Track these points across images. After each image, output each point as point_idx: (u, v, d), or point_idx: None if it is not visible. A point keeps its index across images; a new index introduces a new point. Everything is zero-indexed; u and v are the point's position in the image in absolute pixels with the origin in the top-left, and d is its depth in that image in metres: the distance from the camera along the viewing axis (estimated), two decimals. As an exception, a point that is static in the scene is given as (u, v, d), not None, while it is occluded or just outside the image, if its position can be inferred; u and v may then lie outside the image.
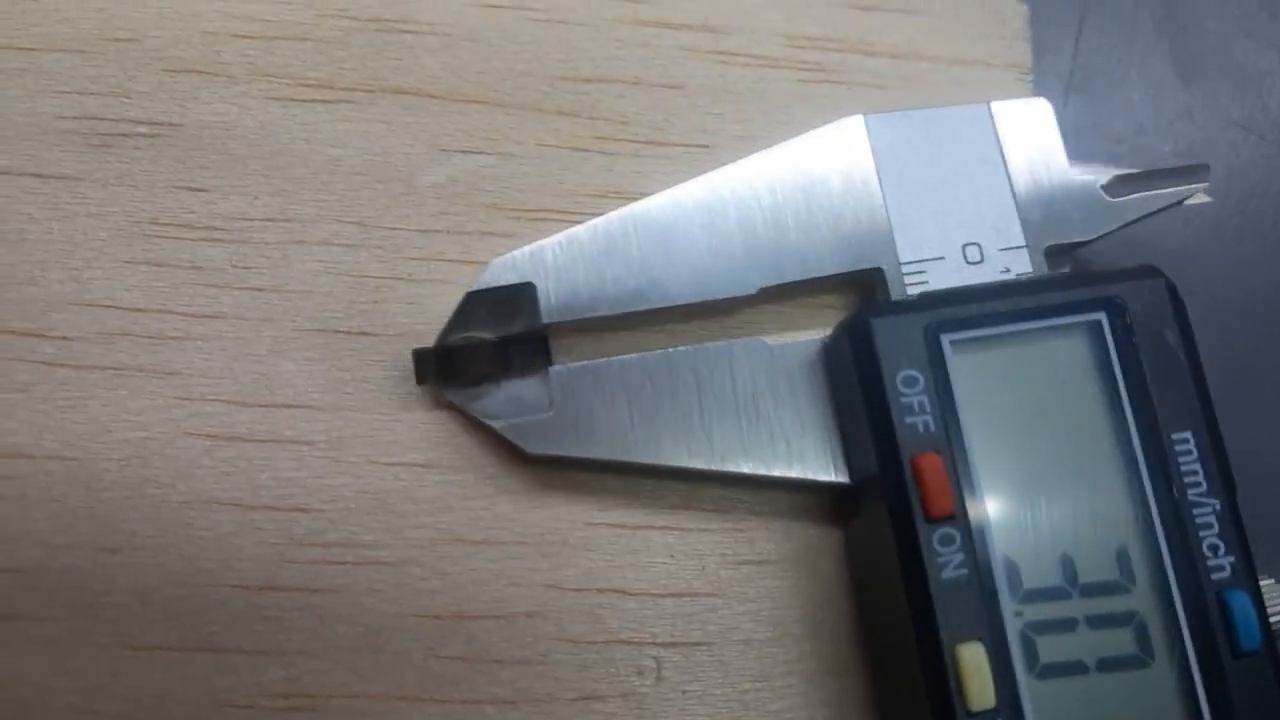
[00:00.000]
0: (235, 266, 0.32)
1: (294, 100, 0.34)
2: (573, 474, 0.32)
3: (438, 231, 0.33)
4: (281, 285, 0.32)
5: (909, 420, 0.29)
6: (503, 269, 0.31)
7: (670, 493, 0.32)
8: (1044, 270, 0.32)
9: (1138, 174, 0.33)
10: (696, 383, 0.31)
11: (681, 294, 0.32)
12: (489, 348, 0.31)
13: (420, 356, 0.31)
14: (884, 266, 0.32)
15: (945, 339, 0.30)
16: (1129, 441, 0.29)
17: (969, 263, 0.32)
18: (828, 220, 0.32)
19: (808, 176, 0.32)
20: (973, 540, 0.28)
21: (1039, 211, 0.33)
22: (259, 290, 0.32)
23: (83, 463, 0.31)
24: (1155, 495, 0.29)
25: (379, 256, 0.33)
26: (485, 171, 0.34)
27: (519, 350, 0.31)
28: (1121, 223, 0.33)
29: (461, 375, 0.31)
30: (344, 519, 0.31)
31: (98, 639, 0.30)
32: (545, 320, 0.31)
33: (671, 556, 0.32)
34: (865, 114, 0.33)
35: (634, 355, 0.31)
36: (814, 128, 0.33)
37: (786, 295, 0.33)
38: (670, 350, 0.32)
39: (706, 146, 0.34)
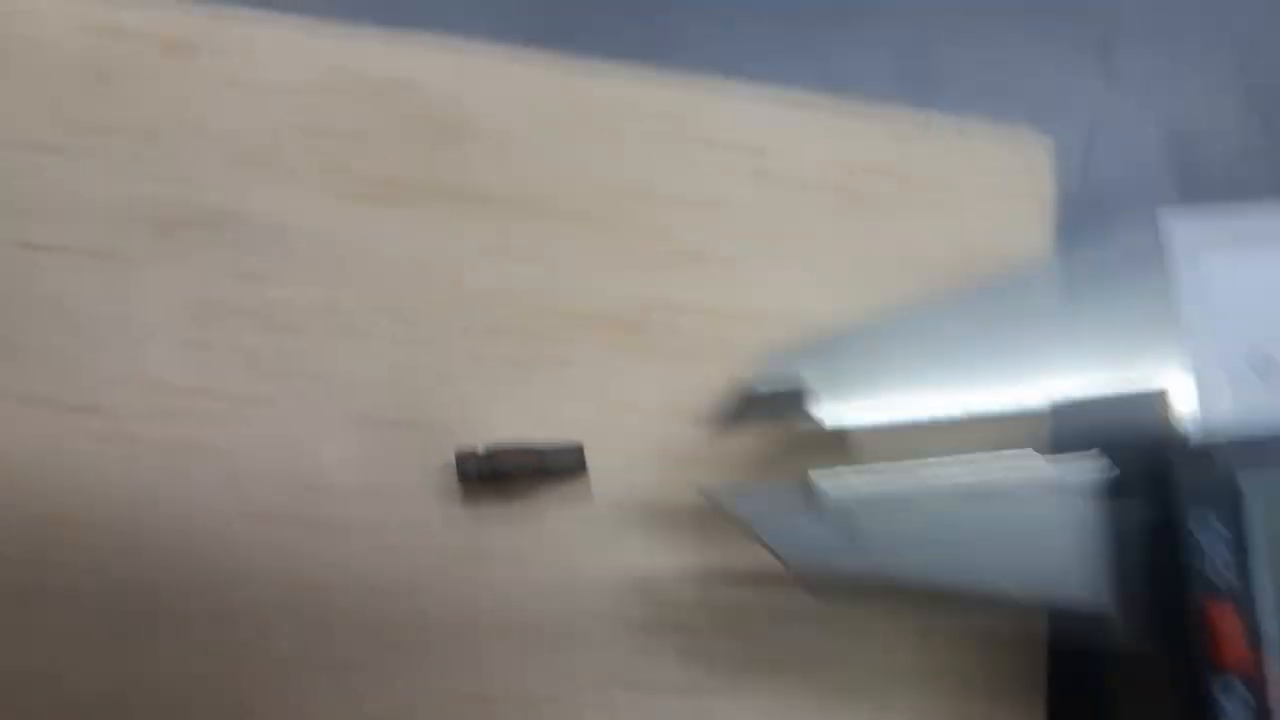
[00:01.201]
0: (283, 354, 0.34)
1: (350, 197, 0.35)
2: (594, 571, 0.33)
3: (481, 332, 0.34)
4: (326, 375, 0.34)
5: (1203, 565, 0.28)
6: (776, 367, 0.31)
7: (685, 593, 0.33)
8: None
9: None
10: (969, 502, 0.30)
11: (964, 407, 0.30)
12: (529, 453, 0.32)
13: (463, 457, 0.32)
14: (1172, 381, 0.30)
15: (1246, 482, 0.28)
16: None
17: (1261, 379, 0.30)
18: (1119, 327, 0.30)
19: (1100, 277, 0.31)
20: (1263, 697, 0.27)
21: None
22: (305, 378, 0.33)
23: (129, 535, 0.32)
24: None
25: (423, 354, 0.34)
26: (530, 276, 0.35)
27: (556, 457, 0.33)
28: None
29: (502, 478, 0.32)
30: (376, 601, 0.32)
31: (135, 707, 0.31)
32: (825, 425, 0.30)
33: (682, 655, 0.33)
34: (1164, 208, 0.31)
35: (906, 471, 0.30)
36: (849, 254, 0.35)
37: (1073, 409, 0.31)
38: (941, 467, 0.30)
39: (741, 265, 0.36)
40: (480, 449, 0.33)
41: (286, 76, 0.36)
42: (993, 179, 0.38)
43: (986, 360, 0.31)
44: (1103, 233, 0.32)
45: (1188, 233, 0.31)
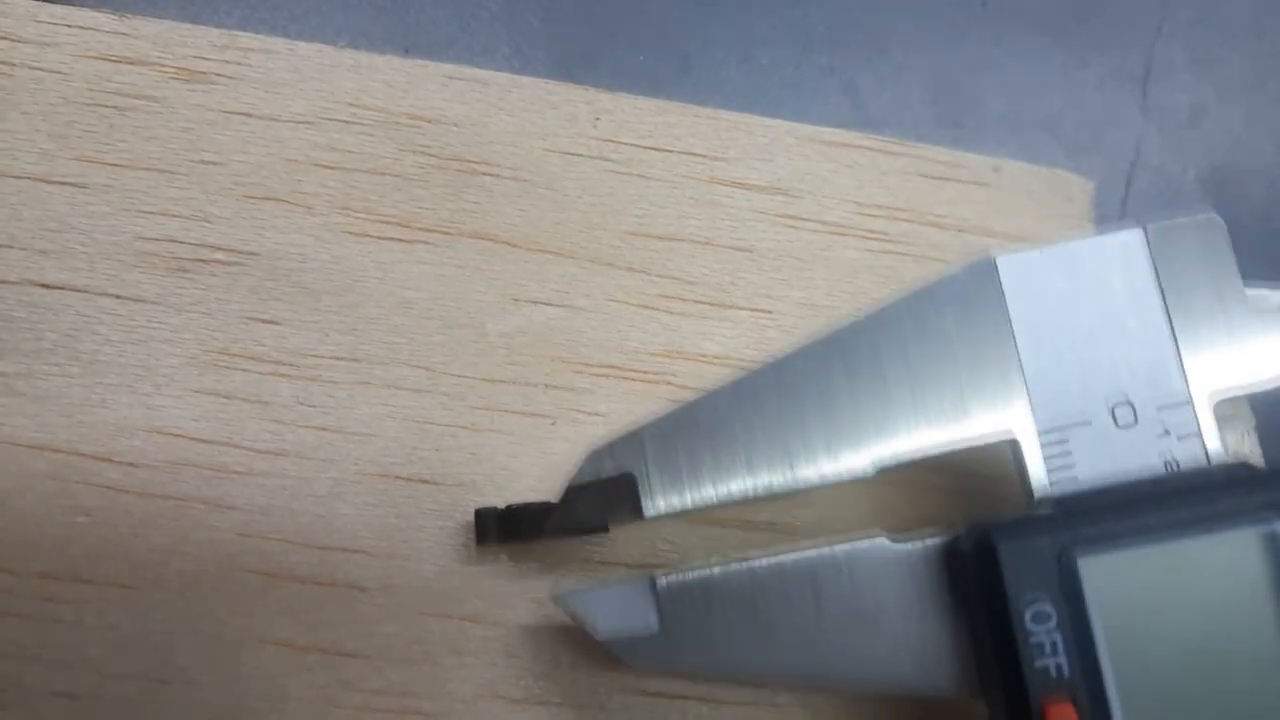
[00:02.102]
0: (301, 404, 0.33)
1: (370, 236, 0.34)
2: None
3: (503, 382, 0.34)
4: (345, 426, 0.33)
5: (1039, 663, 0.25)
6: (600, 460, 0.30)
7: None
8: (1214, 430, 0.28)
9: None
10: (814, 592, 0.28)
11: (790, 481, 0.29)
12: (550, 509, 0.31)
13: (482, 516, 0.32)
14: (1019, 437, 0.28)
15: (1083, 564, 0.25)
16: None
17: (1120, 427, 0.28)
18: (952, 385, 0.29)
19: (926, 334, 0.29)
20: None
21: (1206, 357, 0.28)
22: (323, 430, 0.33)
23: (139, 591, 0.31)
24: None
25: (444, 404, 0.33)
26: (553, 323, 0.34)
27: (579, 515, 0.32)
28: None
29: (523, 536, 0.31)
30: (390, 667, 0.32)
31: (142, 767, 0.31)
32: (649, 514, 0.29)
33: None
34: (996, 255, 0.30)
35: (745, 564, 0.29)
36: (877, 297, 0.34)
37: (907, 471, 0.30)
38: (784, 558, 0.29)
39: (769, 312, 0.35)
40: (501, 506, 0.32)
41: (304, 108, 0.35)
42: (1029, 222, 0.37)
43: (818, 427, 0.29)
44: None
45: (1021, 272, 0.30)
